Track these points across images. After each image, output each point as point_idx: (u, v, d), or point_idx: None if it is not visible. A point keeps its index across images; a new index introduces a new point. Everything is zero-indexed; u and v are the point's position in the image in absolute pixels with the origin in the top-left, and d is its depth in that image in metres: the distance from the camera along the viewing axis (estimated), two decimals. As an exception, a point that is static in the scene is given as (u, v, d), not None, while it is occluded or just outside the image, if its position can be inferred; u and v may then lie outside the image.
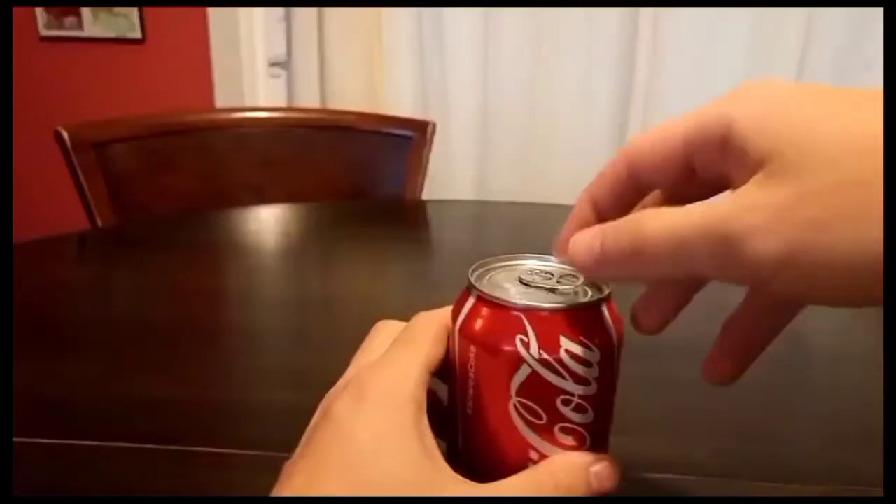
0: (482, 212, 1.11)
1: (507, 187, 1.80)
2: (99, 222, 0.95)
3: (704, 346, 0.29)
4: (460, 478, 0.24)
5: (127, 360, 0.52)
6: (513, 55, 1.73)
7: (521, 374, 0.25)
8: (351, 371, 0.29)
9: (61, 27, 1.80)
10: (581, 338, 0.25)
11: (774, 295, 0.24)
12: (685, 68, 1.66)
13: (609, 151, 1.72)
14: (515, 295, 0.26)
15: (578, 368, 0.25)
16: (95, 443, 0.40)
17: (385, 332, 0.30)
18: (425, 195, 1.17)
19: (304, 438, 0.27)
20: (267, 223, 0.91)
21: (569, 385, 0.25)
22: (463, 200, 1.59)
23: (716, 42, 1.64)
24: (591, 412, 0.26)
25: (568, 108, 1.74)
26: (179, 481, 0.37)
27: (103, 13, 1.77)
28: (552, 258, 0.29)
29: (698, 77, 1.66)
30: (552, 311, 0.25)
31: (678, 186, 0.25)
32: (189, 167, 1.09)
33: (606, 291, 0.26)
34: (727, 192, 0.21)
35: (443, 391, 0.29)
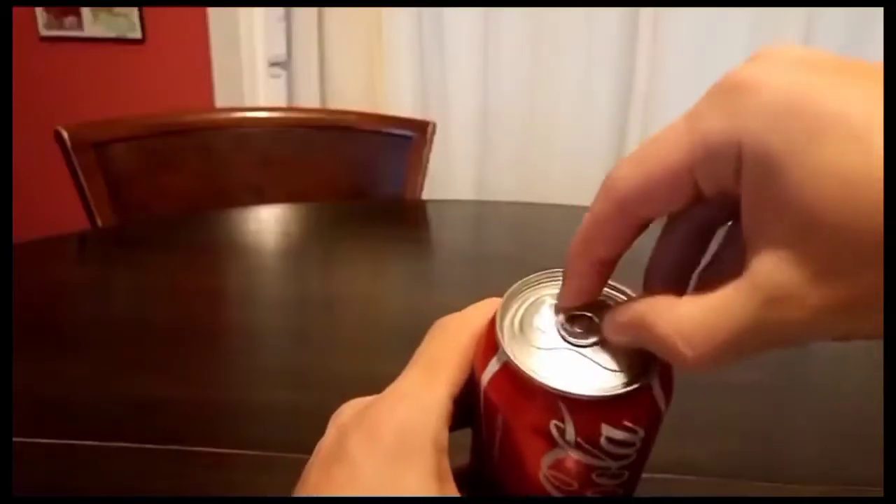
0: (482, 212, 1.11)
1: (507, 187, 1.80)
2: (99, 222, 0.95)
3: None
4: None
5: (127, 360, 0.52)
6: (513, 55, 1.73)
7: (553, 454, 0.23)
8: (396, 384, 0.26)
9: (61, 27, 1.80)
10: (625, 422, 0.22)
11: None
12: (685, 68, 1.66)
13: (609, 151, 1.72)
14: (551, 368, 0.22)
15: (618, 450, 0.22)
16: (95, 443, 0.40)
17: (441, 342, 0.26)
18: (425, 195, 1.17)
19: (315, 458, 0.25)
20: (267, 223, 0.91)
21: (607, 462, 0.23)
22: (463, 200, 1.59)
23: (716, 42, 1.64)
24: (626, 474, 0.24)
25: (568, 108, 1.74)
26: (179, 481, 0.37)
27: (103, 13, 1.77)
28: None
29: (698, 77, 1.66)
30: (593, 399, 0.22)
31: (685, 210, 0.22)
32: (189, 167, 1.09)
33: (662, 362, 0.22)
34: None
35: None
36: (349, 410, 0.25)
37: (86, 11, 1.77)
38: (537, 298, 0.25)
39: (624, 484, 0.24)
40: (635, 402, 0.22)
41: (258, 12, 1.75)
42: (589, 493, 0.23)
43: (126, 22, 1.77)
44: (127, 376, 0.49)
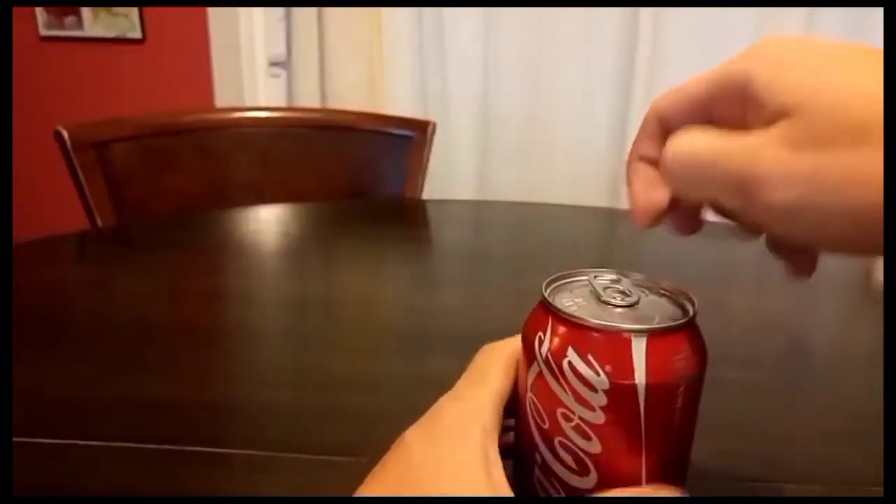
0: (482, 212, 1.11)
1: (507, 187, 1.80)
2: (99, 222, 0.95)
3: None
4: None
5: (127, 360, 0.52)
6: (513, 55, 1.73)
7: (534, 370, 0.25)
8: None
9: (61, 27, 1.80)
10: (589, 357, 0.23)
11: (779, 234, 0.25)
12: (685, 67, 1.66)
13: (609, 151, 1.72)
14: (569, 305, 0.25)
15: (580, 387, 0.24)
16: (95, 443, 0.40)
17: (488, 356, 0.30)
18: (425, 195, 1.17)
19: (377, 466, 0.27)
20: (267, 223, 0.91)
21: (569, 400, 0.24)
22: (463, 200, 1.59)
23: (716, 41, 1.64)
24: (595, 441, 0.24)
25: (568, 107, 1.74)
26: (179, 481, 0.37)
27: (103, 13, 1.77)
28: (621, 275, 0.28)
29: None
30: (573, 320, 0.24)
31: None
32: (189, 167, 1.09)
33: (659, 326, 0.24)
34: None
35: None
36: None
37: (86, 11, 1.77)
38: (576, 280, 0.28)
39: (597, 458, 0.24)
40: (611, 346, 0.23)
41: (258, 12, 1.75)
42: (556, 441, 0.25)
43: (126, 22, 1.77)
44: (127, 376, 0.49)
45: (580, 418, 0.24)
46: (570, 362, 0.23)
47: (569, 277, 0.28)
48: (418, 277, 0.74)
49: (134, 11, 1.75)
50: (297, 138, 1.16)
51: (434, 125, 1.16)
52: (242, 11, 1.72)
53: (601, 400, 0.23)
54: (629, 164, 0.28)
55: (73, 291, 0.66)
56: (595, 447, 0.24)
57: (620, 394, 0.23)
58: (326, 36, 1.76)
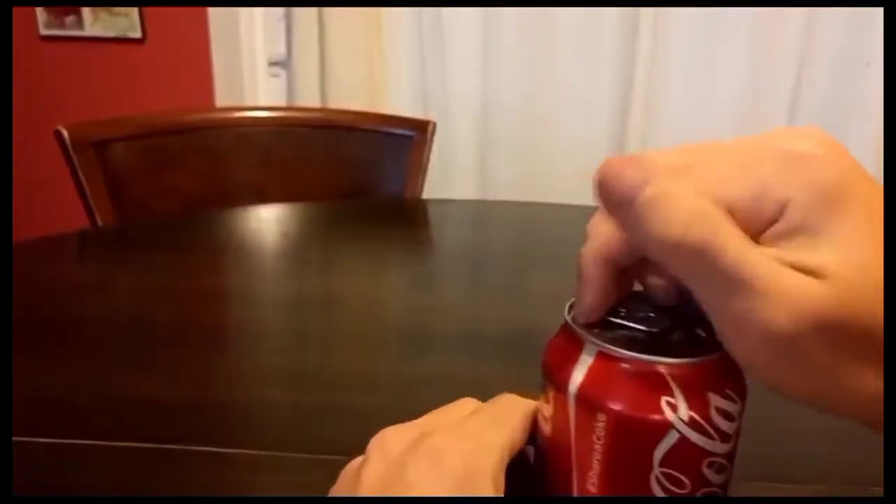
0: (482, 211, 1.11)
1: (508, 186, 1.80)
2: (99, 222, 0.95)
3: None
4: None
5: (127, 359, 0.52)
6: (513, 55, 1.73)
7: (668, 441, 0.22)
8: (422, 424, 0.26)
9: (61, 26, 1.80)
10: (726, 390, 0.22)
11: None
12: (685, 65, 1.66)
13: (610, 150, 1.72)
14: (642, 348, 0.22)
15: (724, 425, 0.22)
16: (95, 442, 0.40)
17: (467, 406, 0.27)
18: (425, 194, 1.17)
19: (358, 484, 0.24)
20: (267, 223, 0.91)
21: (715, 445, 0.22)
22: (463, 200, 1.59)
23: (716, 40, 1.64)
24: (728, 470, 0.23)
25: (568, 107, 1.74)
26: (179, 481, 0.37)
27: (103, 13, 1.77)
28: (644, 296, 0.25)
29: (698, 74, 1.66)
30: (695, 364, 0.22)
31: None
32: (189, 166, 1.09)
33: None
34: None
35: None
36: (395, 439, 0.25)
37: (86, 11, 1.77)
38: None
39: (723, 485, 0.23)
40: (727, 369, 0.22)
41: (258, 12, 1.75)
42: (698, 495, 0.23)
43: (126, 21, 1.77)
44: (127, 376, 0.49)
45: (722, 455, 0.23)
46: (716, 408, 0.22)
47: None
48: (418, 277, 0.74)
49: (134, 11, 1.75)
50: (298, 138, 1.16)
51: (434, 125, 1.16)
52: (242, 11, 1.71)
53: (736, 425, 0.23)
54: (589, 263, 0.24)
55: (73, 291, 0.66)
56: (727, 476, 0.23)
57: (744, 408, 0.23)
58: (326, 36, 1.76)
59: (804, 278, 0.19)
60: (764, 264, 0.19)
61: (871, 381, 0.20)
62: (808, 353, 0.19)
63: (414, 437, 0.25)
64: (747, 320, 0.19)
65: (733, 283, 0.19)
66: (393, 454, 0.24)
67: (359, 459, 0.25)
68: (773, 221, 0.20)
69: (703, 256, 0.19)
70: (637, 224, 0.20)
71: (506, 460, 0.24)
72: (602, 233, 0.23)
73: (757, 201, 0.20)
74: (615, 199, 0.21)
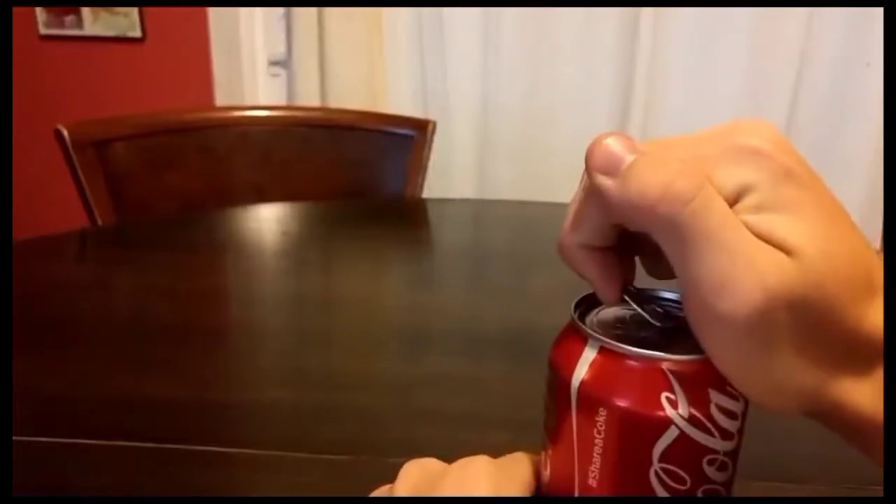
0: (482, 211, 1.11)
1: (508, 186, 1.80)
2: (99, 221, 0.95)
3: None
4: None
5: (127, 359, 0.52)
6: (513, 54, 1.73)
7: (668, 437, 0.22)
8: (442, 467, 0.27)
9: (61, 26, 1.79)
10: (728, 387, 0.22)
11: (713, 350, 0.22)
12: (685, 65, 1.66)
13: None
14: (645, 344, 0.22)
15: (726, 422, 0.22)
16: (95, 442, 0.40)
17: (419, 471, 0.28)
18: (425, 194, 1.17)
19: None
20: (267, 222, 0.91)
21: (716, 443, 0.22)
22: (463, 199, 1.59)
23: (716, 40, 1.64)
24: (730, 468, 0.23)
25: (568, 107, 1.74)
26: (179, 481, 0.37)
27: (103, 12, 1.77)
28: (654, 289, 0.26)
29: (698, 73, 1.66)
30: (697, 361, 0.22)
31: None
32: (189, 166, 1.09)
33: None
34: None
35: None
36: (417, 471, 0.27)
37: (86, 11, 1.77)
38: (602, 306, 0.26)
39: (725, 483, 0.24)
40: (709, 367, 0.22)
41: (258, 12, 1.75)
42: (699, 493, 0.23)
43: (126, 21, 1.77)
44: (127, 376, 0.49)
45: (724, 453, 0.23)
46: (716, 405, 0.22)
47: (586, 306, 0.25)
48: (418, 277, 0.74)
49: (134, 11, 1.75)
50: (298, 137, 1.16)
51: (434, 124, 1.16)
52: (242, 11, 1.71)
53: (739, 423, 0.23)
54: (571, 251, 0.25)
55: (73, 291, 0.66)
56: (729, 474, 0.24)
57: (746, 407, 0.23)
58: (326, 36, 1.76)
59: (778, 253, 0.20)
60: (744, 230, 0.20)
61: (815, 374, 0.21)
62: (773, 332, 0.20)
63: (439, 472, 0.26)
64: (721, 286, 0.20)
65: (715, 240, 0.20)
66: (424, 478, 0.26)
67: (386, 487, 0.27)
68: (734, 203, 0.21)
69: (687, 208, 0.20)
70: (623, 184, 0.21)
71: (529, 487, 0.25)
72: (567, 225, 0.25)
73: (716, 186, 0.21)
74: (603, 162, 0.21)
